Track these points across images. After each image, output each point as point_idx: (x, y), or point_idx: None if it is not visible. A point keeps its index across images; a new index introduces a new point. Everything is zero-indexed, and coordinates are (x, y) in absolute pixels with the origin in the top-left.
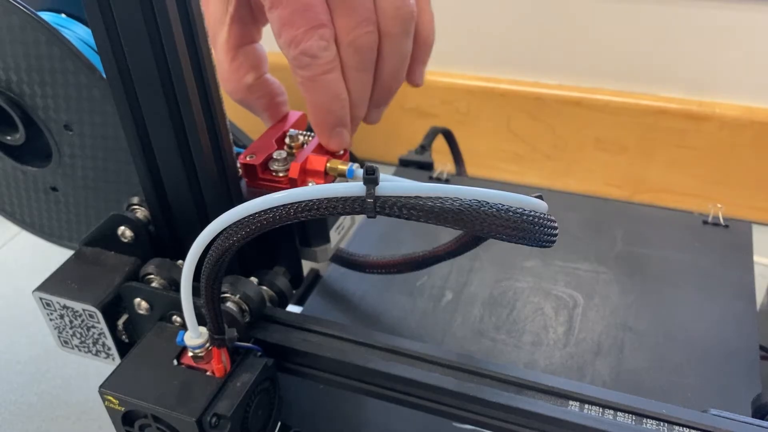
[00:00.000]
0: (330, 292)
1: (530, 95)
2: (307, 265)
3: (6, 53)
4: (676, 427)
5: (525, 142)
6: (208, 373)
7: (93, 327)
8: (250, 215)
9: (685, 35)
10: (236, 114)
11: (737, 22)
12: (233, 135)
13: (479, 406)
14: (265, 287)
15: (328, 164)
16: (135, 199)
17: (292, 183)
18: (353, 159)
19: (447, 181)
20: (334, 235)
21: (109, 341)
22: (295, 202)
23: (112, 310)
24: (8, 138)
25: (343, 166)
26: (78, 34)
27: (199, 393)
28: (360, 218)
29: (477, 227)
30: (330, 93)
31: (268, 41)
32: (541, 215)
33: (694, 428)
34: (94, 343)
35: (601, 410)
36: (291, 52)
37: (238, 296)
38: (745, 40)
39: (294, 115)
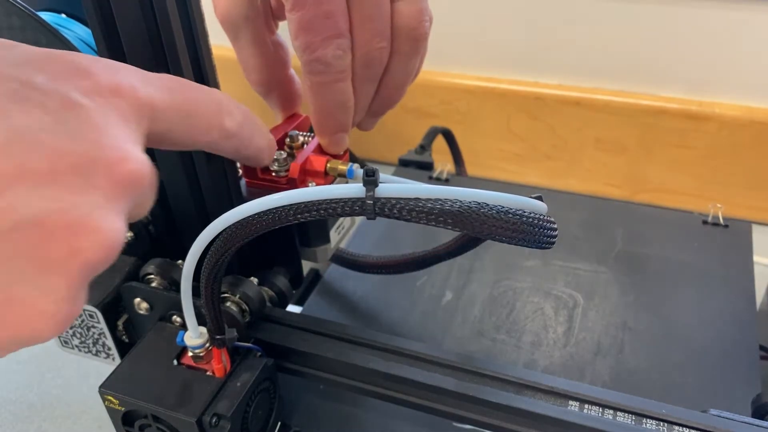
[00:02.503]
0: (330, 292)
1: (530, 95)
2: (307, 265)
3: None
4: (676, 427)
5: (525, 141)
6: (208, 373)
7: (93, 327)
8: (250, 216)
9: (685, 35)
10: None
11: (737, 22)
12: None
13: (479, 406)
14: (265, 287)
15: (328, 164)
16: None
17: (292, 183)
18: (353, 159)
19: (447, 181)
20: (334, 235)
21: (109, 341)
22: (295, 204)
23: (112, 310)
24: None
25: (343, 167)
26: (78, 34)
27: (199, 393)
28: (360, 218)
29: (476, 229)
30: (337, 100)
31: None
32: (541, 217)
33: (693, 428)
34: (94, 343)
35: (600, 410)
36: (305, 56)
37: (238, 296)
38: (745, 40)
39: (298, 117)
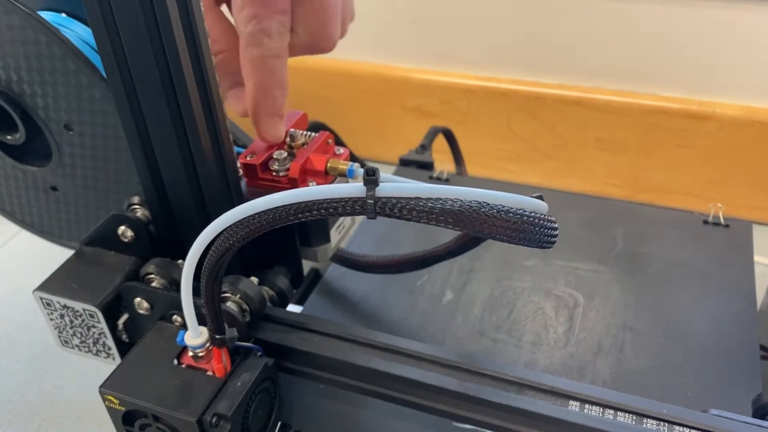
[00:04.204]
0: (330, 291)
1: (530, 95)
2: (307, 265)
3: (6, 53)
4: (677, 427)
5: (525, 141)
6: (208, 373)
7: (93, 327)
8: (251, 215)
9: (685, 35)
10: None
11: (737, 22)
12: (233, 135)
13: (480, 405)
14: (265, 287)
15: (328, 164)
16: (135, 199)
17: (293, 183)
18: (353, 159)
19: (447, 181)
20: (334, 234)
21: (110, 341)
22: (296, 203)
23: (112, 309)
24: (8, 137)
25: (343, 166)
26: (78, 33)
27: (200, 393)
28: (360, 218)
29: (477, 228)
30: (275, 77)
31: None
32: (541, 216)
33: (694, 428)
34: (95, 343)
35: (601, 410)
36: (249, 27)
37: (238, 296)
38: (745, 40)
39: (294, 115)
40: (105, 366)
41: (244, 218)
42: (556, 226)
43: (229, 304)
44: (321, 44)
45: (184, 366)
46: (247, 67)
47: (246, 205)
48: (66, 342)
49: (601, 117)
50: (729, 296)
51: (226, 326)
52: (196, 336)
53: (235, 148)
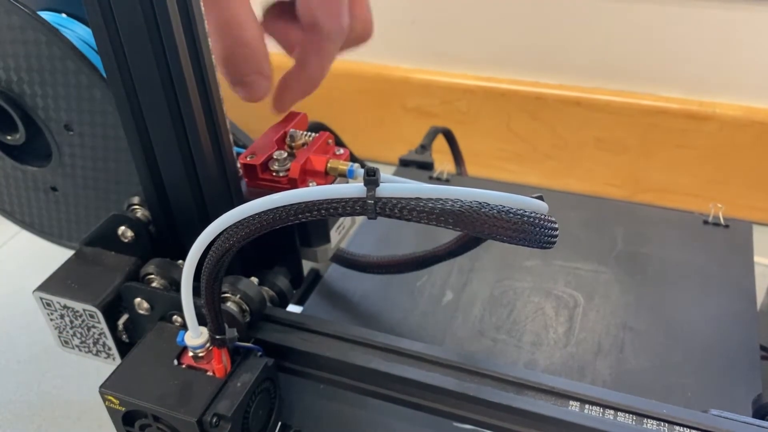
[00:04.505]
0: (330, 292)
1: (530, 95)
2: (307, 265)
3: (6, 53)
4: (677, 428)
5: (525, 141)
6: (208, 373)
7: (93, 327)
8: (251, 216)
9: (685, 35)
10: (236, 114)
11: (737, 22)
12: (233, 135)
13: (479, 406)
14: (265, 287)
15: (328, 164)
16: (135, 199)
17: (293, 183)
18: (353, 159)
19: (447, 181)
20: (334, 234)
21: (110, 341)
22: (296, 203)
23: (112, 310)
24: (8, 138)
25: (343, 166)
26: (78, 34)
27: (200, 393)
28: (360, 218)
29: (477, 229)
30: (329, 67)
31: None
32: (542, 216)
33: (694, 428)
34: (95, 343)
35: (601, 410)
36: (331, 23)
37: (238, 296)
38: (745, 40)
39: (294, 115)
40: (105, 366)
41: (244, 219)
42: (556, 226)
43: (229, 304)
44: (366, 33)
45: (184, 366)
46: (315, 60)
47: (246, 206)
48: (66, 342)
49: (601, 117)
50: (729, 296)
51: (226, 326)
52: (196, 336)
53: (235, 148)
